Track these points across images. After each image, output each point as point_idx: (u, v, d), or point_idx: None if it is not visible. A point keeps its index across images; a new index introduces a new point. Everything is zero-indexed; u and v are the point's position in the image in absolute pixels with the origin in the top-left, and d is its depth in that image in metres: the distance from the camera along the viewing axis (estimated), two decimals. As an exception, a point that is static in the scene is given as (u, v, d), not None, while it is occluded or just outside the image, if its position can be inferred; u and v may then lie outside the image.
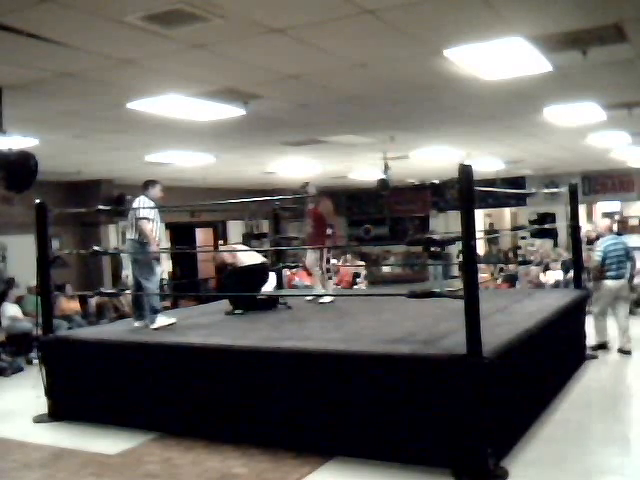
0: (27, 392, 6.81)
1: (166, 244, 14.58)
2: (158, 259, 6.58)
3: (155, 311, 6.36)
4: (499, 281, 13.09)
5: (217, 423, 5.35)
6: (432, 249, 13.93)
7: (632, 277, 8.60)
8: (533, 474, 4.46)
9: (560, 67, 5.51)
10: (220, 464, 4.80)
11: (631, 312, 11.15)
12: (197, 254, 16.19)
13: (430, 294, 4.87)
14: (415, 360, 4.65)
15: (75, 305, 10.77)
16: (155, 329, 6.25)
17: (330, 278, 7.62)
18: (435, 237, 6.31)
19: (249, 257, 7.38)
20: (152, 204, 6.51)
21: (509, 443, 4.81)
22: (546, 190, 12.31)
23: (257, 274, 7.36)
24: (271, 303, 7.43)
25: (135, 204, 6.50)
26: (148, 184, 6.64)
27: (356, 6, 3.94)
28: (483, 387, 4.36)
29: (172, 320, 6.36)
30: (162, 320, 6.33)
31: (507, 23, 4.36)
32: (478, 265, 5.00)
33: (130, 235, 6.50)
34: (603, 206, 18.64)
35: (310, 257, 7.82)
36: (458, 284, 4.73)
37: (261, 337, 5.71)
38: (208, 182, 13.71)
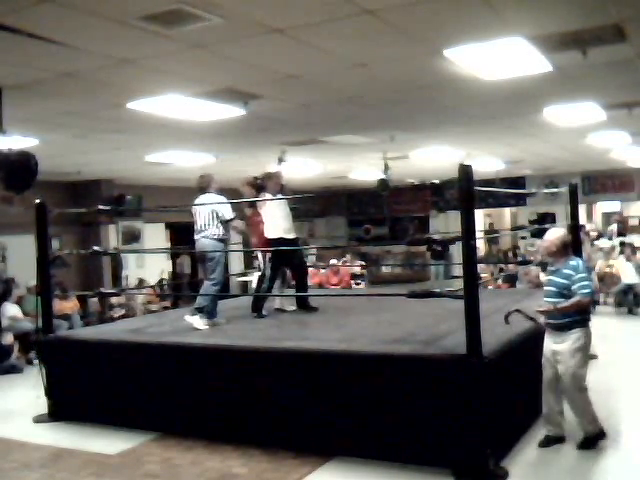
0: (27, 392, 6.80)
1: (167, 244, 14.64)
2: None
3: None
4: (499, 281, 13.07)
5: (217, 423, 5.35)
6: (435, 247, 13.74)
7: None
8: (533, 474, 4.47)
9: (560, 67, 5.51)
10: (220, 464, 4.80)
11: (630, 312, 11.26)
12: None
13: (430, 294, 4.88)
14: (415, 360, 4.65)
15: (70, 304, 10.64)
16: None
17: None
18: (435, 237, 6.27)
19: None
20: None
21: (509, 443, 4.81)
22: (546, 190, 12.30)
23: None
24: None
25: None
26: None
27: (356, 6, 3.94)
28: (483, 387, 4.36)
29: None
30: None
31: (507, 23, 4.36)
32: (478, 265, 4.99)
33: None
34: (603, 206, 18.66)
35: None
36: (459, 284, 4.72)
37: (261, 337, 5.72)
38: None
